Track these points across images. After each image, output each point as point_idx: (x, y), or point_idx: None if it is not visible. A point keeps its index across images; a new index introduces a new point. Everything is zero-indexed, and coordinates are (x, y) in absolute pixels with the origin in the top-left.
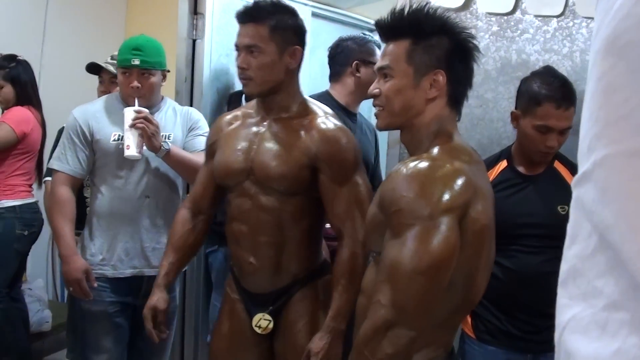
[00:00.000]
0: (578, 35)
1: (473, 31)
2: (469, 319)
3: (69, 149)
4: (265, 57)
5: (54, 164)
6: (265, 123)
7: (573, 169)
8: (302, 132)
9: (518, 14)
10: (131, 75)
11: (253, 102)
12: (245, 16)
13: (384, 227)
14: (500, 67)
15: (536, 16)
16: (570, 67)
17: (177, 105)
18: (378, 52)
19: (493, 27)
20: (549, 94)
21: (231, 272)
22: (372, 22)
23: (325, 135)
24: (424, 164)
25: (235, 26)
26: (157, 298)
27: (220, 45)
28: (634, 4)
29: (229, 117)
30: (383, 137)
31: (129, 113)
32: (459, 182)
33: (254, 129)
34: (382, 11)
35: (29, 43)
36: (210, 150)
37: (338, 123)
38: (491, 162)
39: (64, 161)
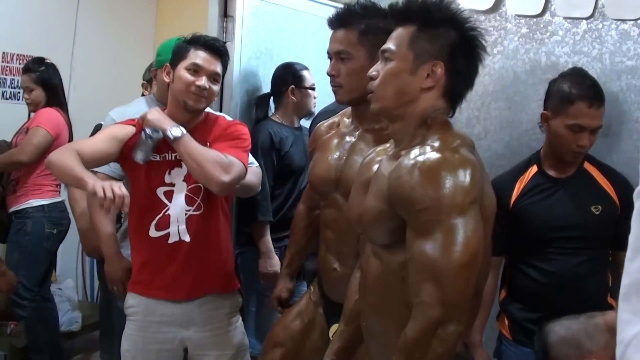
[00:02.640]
0: (607, 37)
1: (502, 32)
2: (506, 320)
3: None
4: (354, 63)
5: None
6: (356, 133)
7: (603, 169)
8: None
9: (547, 16)
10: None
11: (349, 110)
12: (335, 21)
13: (392, 221)
14: (529, 69)
15: (565, 18)
16: (599, 69)
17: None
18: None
19: (522, 29)
20: (581, 93)
21: (317, 277)
22: None
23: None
24: (435, 156)
25: (264, 28)
26: (281, 287)
27: (250, 48)
28: None
29: (326, 124)
30: None
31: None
32: (473, 171)
33: (347, 138)
34: None
35: (59, 46)
36: (310, 158)
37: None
38: (521, 168)
39: None
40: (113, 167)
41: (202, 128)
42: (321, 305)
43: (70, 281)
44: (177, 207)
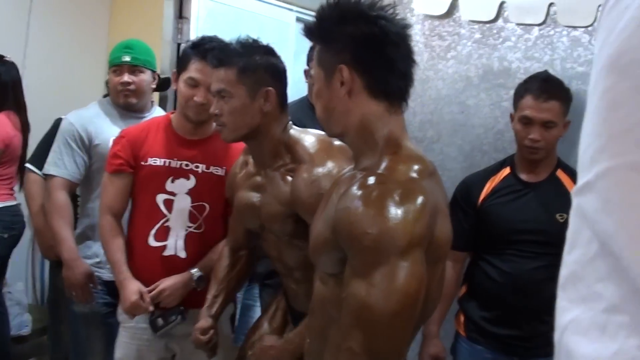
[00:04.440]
0: (559, 44)
1: (455, 38)
2: (462, 318)
3: (65, 154)
4: (235, 102)
5: (51, 170)
6: (263, 172)
7: (575, 178)
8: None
9: (500, 21)
10: (122, 72)
11: None
12: (214, 60)
13: (338, 251)
14: (482, 74)
15: (518, 24)
16: None
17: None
18: None
19: (475, 35)
20: (529, 87)
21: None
22: None
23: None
24: (379, 192)
25: (219, 30)
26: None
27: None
28: (637, 26)
29: (239, 165)
30: None
31: None
32: (421, 206)
33: (258, 179)
34: None
35: (11, 45)
36: (231, 200)
37: (317, 174)
38: (495, 169)
39: (61, 166)
40: (71, 171)
41: (216, 140)
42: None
43: (20, 284)
44: (178, 221)
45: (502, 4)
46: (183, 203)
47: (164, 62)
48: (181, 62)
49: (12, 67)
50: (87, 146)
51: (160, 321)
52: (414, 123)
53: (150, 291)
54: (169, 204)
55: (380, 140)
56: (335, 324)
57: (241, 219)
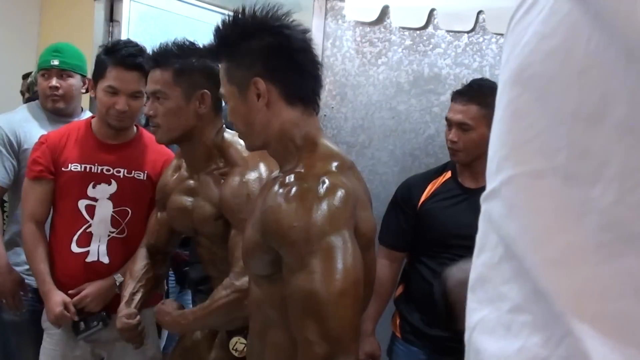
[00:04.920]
0: (488, 51)
1: (386, 44)
2: (397, 319)
3: None
4: (170, 103)
5: None
6: (195, 176)
7: None
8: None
9: (430, 28)
10: (50, 77)
11: None
12: (150, 61)
13: (268, 254)
14: (412, 80)
15: (448, 31)
16: None
17: None
18: None
19: (406, 41)
20: (454, 92)
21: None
22: None
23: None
24: (299, 187)
25: (150, 34)
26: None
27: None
28: (539, 41)
29: (172, 169)
30: None
31: None
32: (343, 196)
33: (190, 182)
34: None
35: None
36: (162, 202)
37: (249, 177)
38: (437, 171)
39: None
40: (1, 176)
41: (137, 144)
42: None
43: None
44: (101, 226)
45: (432, 11)
46: (105, 208)
47: None
48: (97, 70)
49: None
50: (16, 151)
51: (82, 325)
52: (345, 128)
53: (73, 296)
54: (90, 209)
55: (298, 142)
56: (274, 325)
57: (173, 223)
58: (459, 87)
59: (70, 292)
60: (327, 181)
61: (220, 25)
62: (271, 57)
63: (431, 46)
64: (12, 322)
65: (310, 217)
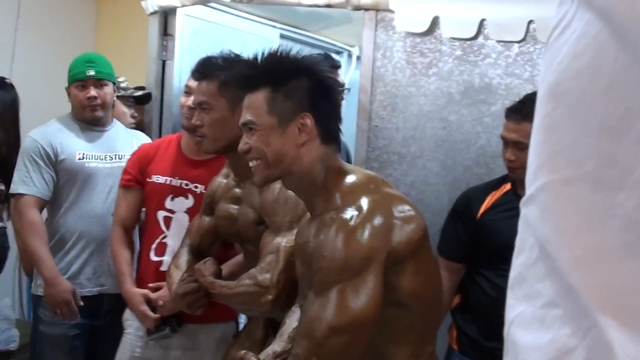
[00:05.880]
0: (539, 60)
1: (437, 55)
2: (454, 331)
3: (33, 172)
4: (216, 114)
5: (19, 189)
6: (242, 185)
7: None
8: None
9: (481, 39)
10: (87, 87)
11: None
12: (196, 73)
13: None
14: (463, 90)
15: (498, 41)
16: (531, 91)
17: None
18: (336, 72)
19: (456, 52)
20: (509, 107)
21: None
22: (339, 44)
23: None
24: (339, 220)
25: (204, 47)
26: None
27: (190, 66)
28: (571, 59)
29: (221, 176)
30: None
31: None
32: (378, 223)
33: (236, 190)
34: (348, 34)
35: None
36: (208, 207)
37: None
38: (497, 183)
39: (30, 184)
40: (40, 189)
41: (218, 163)
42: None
43: (7, 299)
44: (175, 238)
45: (482, 21)
46: (181, 221)
47: (149, 79)
48: None
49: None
50: (54, 162)
51: (152, 328)
52: (397, 139)
53: (152, 289)
54: (167, 221)
55: (324, 175)
56: None
57: (220, 229)
58: (510, 97)
59: (150, 285)
60: (364, 209)
61: (268, 56)
62: (318, 97)
63: (482, 56)
64: (49, 335)
65: (340, 250)
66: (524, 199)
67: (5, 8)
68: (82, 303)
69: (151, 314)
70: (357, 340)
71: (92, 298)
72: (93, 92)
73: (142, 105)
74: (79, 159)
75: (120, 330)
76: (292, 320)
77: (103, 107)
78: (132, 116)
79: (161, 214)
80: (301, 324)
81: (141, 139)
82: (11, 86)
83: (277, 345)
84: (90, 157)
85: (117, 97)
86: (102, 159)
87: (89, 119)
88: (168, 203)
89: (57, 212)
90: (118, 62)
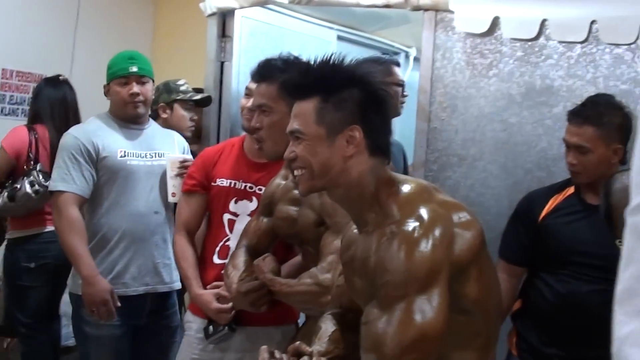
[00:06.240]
0: (602, 62)
1: (497, 56)
2: (514, 337)
3: (73, 169)
4: (275, 116)
5: (59, 186)
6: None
7: None
8: None
9: (542, 39)
10: (129, 83)
11: None
12: (256, 75)
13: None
14: (524, 92)
15: (560, 42)
16: (593, 93)
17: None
18: (397, 71)
19: (517, 53)
20: (571, 109)
21: None
22: (397, 45)
23: None
24: (397, 232)
25: (262, 49)
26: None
27: (248, 68)
28: None
29: (280, 176)
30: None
31: (174, 162)
32: (439, 234)
33: (295, 192)
34: (406, 35)
35: (58, 62)
36: (267, 209)
37: None
38: (560, 186)
39: (70, 181)
40: (80, 186)
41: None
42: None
43: (65, 296)
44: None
45: (543, 21)
46: (244, 224)
47: (208, 81)
48: None
49: (56, 84)
50: (94, 159)
51: (210, 329)
52: (456, 141)
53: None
54: (231, 224)
55: (374, 187)
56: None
57: (279, 231)
58: (572, 99)
59: (208, 286)
60: (424, 219)
61: (320, 64)
62: (369, 109)
63: (543, 57)
64: (94, 335)
65: (404, 264)
66: (630, 207)
67: (65, 11)
68: (119, 304)
69: (225, 306)
70: (427, 356)
71: (136, 297)
72: (136, 88)
73: (201, 108)
74: (121, 156)
75: (163, 329)
76: (327, 325)
77: (145, 104)
78: (192, 119)
79: (226, 217)
80: (366, 338)
81: (178, 137)
82: (64, 83)
83: (318, 346)
84: (131, 155)
85: (176, 100)
86: (142, 157)
87: (131, 116)
88: (232, 206)
89: (98, 210)
90: (175, 64)
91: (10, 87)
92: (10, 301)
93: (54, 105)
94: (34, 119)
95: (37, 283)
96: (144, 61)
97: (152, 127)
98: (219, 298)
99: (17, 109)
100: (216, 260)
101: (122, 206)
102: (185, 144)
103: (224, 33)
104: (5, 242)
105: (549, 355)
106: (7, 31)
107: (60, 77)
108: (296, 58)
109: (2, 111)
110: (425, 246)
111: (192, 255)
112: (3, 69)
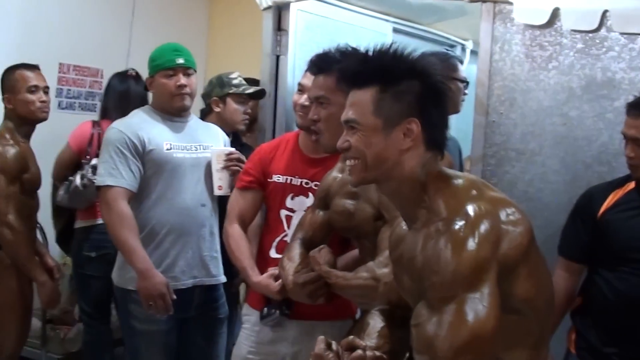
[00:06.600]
0: None
1: (557, 48)
2: (573, 334)
3: (120, 163)
4: (332, 108)
5: (107, 180)
6: None
7: None
8: None
9: (603, 31)
10: (176, 75)
11: None
12: (313, 67)
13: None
14: (585, 85)
15: (622, 34)
16: None
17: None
18: (460, 68)
19: (578, 45)
20: (627, 103)
21: None
22: (453, 38)
23: None
24: (444, 230)
25: (317, 42)
26: None
27: (303, 62)
28: None
29: (335, 170)
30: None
31: (219, 155)
32: (485, 230)
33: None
34: (462, 27)
35: (114, 57)
36: (322, 202)
37: None
38: (620, 182)
39: (118, 176)
40: (128, 180)
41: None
42: None
43: None
44: None
45: (605, 12)
46: None
47: (264, 74)
48: None
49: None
50: (141, 153)
51: (265, 311)
52: (515, 135)
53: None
54: (288, 219)
55: (423, 180)
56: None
57: (335, 224)
58: (634, 92)
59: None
60: (471, 217)
61: (380, 53)
62: (428, 103)
63: (604, 49)
64: (143, 330)
65: (451, 263)
66: None
67: (121, 6)
68: (175, 297)
69: (288, 279)
70: (482, 356)
71: (185, 291)
72: (183, 80)
73: (256, 100)
74: (167, 149)
75: (210, 320)
76: (376, 321)
77: (191, 96)
78: (245, 112)
79: (283, 213)
80: (417, 341)
81: (219, 131)
82: (130, 77)
83: (368, 342)
84: (177, 148)
85: (229, 94)
86: (187, 150)
87: (177, 108)
88: (289, 202)
89: (145, 204)
90: (231, 58)
91: (67, 81)
92: (77, 290)
93: (118, 99)
94: (102, 113)
95: (98, 273)
96: (188, 53)
97: (194, 119)
98: (277, 278)
99: (74, 102)
100: (273, 254)
101: (170, 199)
102: (226, 137)
103: (280, 26)
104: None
105: (608, 355)
106: (64, 26)
107: (128, 72)
108: (353, 49)
109: (59, 105)
110: (472, 244)
111: (247, 246)
112: (60, 63)
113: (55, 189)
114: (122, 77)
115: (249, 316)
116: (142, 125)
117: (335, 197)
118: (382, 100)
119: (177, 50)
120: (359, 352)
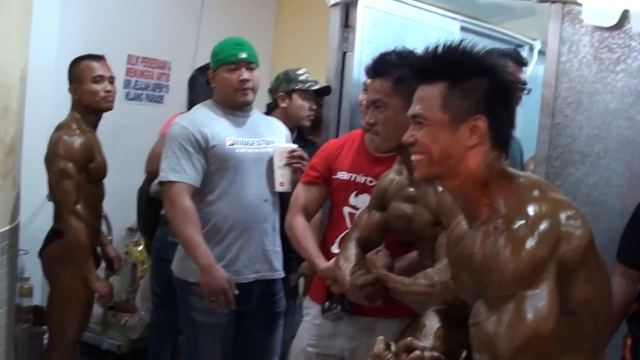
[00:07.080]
0: None
1: (626, 50)
2: (629, 341)
3: (183, 159)
4: (389, 112)
5: (170, 176)
6: (416, 184)
7: None
8: None
9: None
10: (239, 69)
11: None
12: (370, 71)
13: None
14: None
15: None
16: None
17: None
18: (523, 70)
19: None
20: None
21: None
22: (521, 37)
23: None
24: (502, 230)
25: (384, 39)
26: None
27: (370, 59)
28: None
29: (391, 174)
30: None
31: (282, 152)
32: (544, 229)
33: (409, 190)
34: (530, 27)
35: (183, 50)
36: (379, 203)
37: None
38: None
39: (181, 172)
40: (191, 176)
41: None
42: None
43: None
44: None
45: None
46: None
47: (330, 71)
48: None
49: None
50: (204, 148)
51: (326, 305)
52: (580, 137)
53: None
54: (351, 217)
55: (485, 177)
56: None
57: (393, 227)
58: None
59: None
60: (531, 217)
61: (450, 49)
62: (496, 100)
63: None
64: (204, 323)
65: (509, 262)
66: None
67: (190, 2)
68: (237, 291)
69: (345, 280)
70: (541, 354)
71: (246, 285)
72: (246, 74)
73: (322, 97)
74: (230, 144)
75: (269, 314)
76: (432, 322)
77: (254, 91)
78: (310, 109)
79: (347, 210)
80: (476, 339)
81: (281, 125)
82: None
83: (425, 342)
84: (240, 143)
85: (295, 90)
86: (250, 145)
87: (240, 103)
88: (352, 199)
89: (208, 199)
90: (298, 54)
91: (136, 72)
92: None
93: (204, 93)
94: (190, 107)
95: None
96: (251, 47)
97: (257, 114)
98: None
99: (141, 94)
100: (335, 250)
101: (233, 195)
102: (288, 132)
103: (347, 23)
104: None
105: None
106: (133, 18)
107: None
108: (411, 52)
109: (126, 96)
110: (531, 244)
111: (312, 236)
112: (129, 55)
113: (147, 182)
114: (206, 71)
115: (310, 309)
116: (205, 120)
117: (393, 200)
118: (451, 96)
119: (239, 45)
120: (417, 352)
